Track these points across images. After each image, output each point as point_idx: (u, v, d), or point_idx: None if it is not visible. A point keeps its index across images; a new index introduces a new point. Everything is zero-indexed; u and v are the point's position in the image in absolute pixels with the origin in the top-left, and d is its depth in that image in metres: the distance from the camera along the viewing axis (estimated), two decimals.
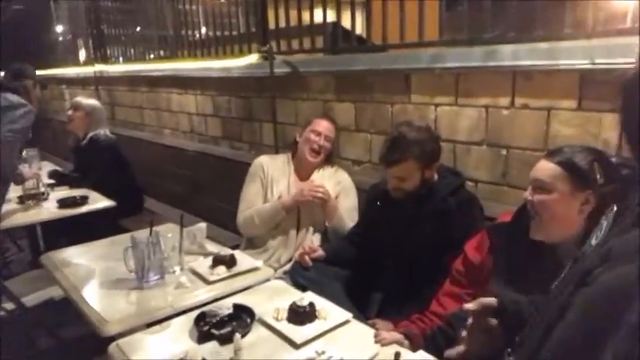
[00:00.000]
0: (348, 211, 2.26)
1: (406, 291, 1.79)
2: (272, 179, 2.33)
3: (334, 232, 2.23)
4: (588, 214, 1.24)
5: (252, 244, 2.36)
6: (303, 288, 1.79)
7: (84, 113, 3.57)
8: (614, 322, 0.35)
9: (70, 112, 3.60)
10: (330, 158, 2.39)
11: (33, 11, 6.99)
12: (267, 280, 1.89)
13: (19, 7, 6.98)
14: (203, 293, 1.76)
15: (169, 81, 4.20)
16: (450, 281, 1.58)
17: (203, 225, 2.18)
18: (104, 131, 3.60)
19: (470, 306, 1.16)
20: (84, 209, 2.98)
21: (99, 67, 5.33)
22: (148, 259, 1.81)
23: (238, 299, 1.69)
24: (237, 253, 2.04)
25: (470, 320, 1.18)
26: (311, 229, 2.28)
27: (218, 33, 3.74)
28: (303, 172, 2.36)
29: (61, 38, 6.84)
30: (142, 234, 1.82)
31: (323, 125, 2.32)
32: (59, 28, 6.75)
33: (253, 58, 3.25)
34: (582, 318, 0.38)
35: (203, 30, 4.01)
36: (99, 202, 3.09)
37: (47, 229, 3.48)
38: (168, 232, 2.06)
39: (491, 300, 1.15)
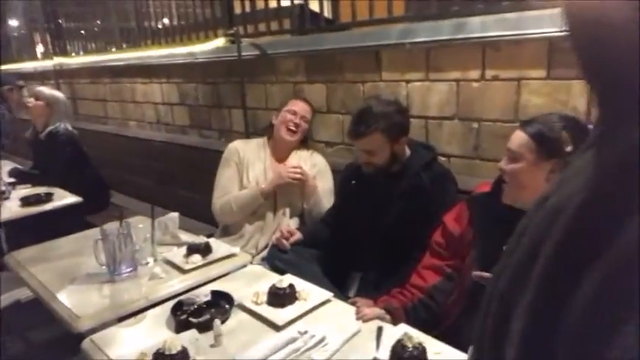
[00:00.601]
0: (324, 193, 2.23)
1: (384, 268, 1.78)
2: (248, 163, 2.28)
3: (311, 213, 2.21)
4: None
5: (228, 231, 2.31)
6: (281, 272, 1.76)
7: (45, 103, 3.40)
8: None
9: (30, 100, 3.43)
10: (306, 141, 2.36)
11: None
12: (245, 266, 1.85)
13: None
14: (178, 283, 1.71)
15: (133, 70, 4.06)
16: (430, 254, 1.57)
17: (175, 215, 2.11)
18: (64, 125, 3.44)
19: None
20: (49, 206, 2.87)
21: (58, 60, 5.12)
22: (119, 251, 1.75)
23: (216, 286, 1.65)
24: (213, 241, 1.99)
25: None
26: (288, 212, 2.25)
27: (183, 22, 3.63)
28: (280, 155, 2.32)
29: (15, 33, 6.53)
30: (112, 226, 1.75)
31: (299, 105, 2.29)
32: (12, 22, 6.44)
33: (220, 42, 3.16)
34: (529, 242, 0.36)
35: (166, 21, 3.88)
36: (65, 198, 2.98)
37: (11, 230, 3.32)
38: (139, 223, 1.99)
39: None
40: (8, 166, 3.73)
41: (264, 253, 2.14)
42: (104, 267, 1.75)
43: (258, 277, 1.73)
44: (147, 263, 1.86)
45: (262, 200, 2.20)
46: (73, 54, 5.06)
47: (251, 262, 2.04)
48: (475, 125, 2.04)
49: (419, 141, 1.97)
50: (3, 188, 2.96)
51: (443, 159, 2.13)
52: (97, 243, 1.76)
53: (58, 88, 5.17)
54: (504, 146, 1.94)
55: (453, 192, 1.83)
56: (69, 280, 1.78)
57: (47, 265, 1.94)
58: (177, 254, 1.89)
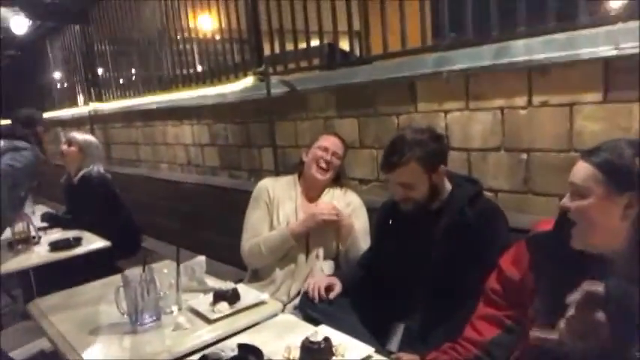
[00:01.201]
0: (360, 233, 2.07)
1: (431, 318, 1.59)
2: (278, 203, 2.16)
3: (347, 256, 2.04)
4: (635, 219, 1.07)
5: (257, 276, 2.17)
6: (315, 322, 1.59)
7: (78, 148, 3.42)
8: None
9: (63, 147, 3.46)
10: (339, 179, 2.22)
11: (29, 57, 6.99)
12: (276, 315, 1.70)
13: (13, 52, 6.98)
14: (204, 334, 1.57)
15: (164, 113, 4.08)
16: (485, 303, 1.38)
17: (202, 258, 1.99)
18: (97, 168, 3.44)
19: (574, 297, 0.98)
20: (77, 251, 2.80)
21: (93, 106, 5.25)
22: (141, 299, 1.63)
23: (244, 338, 1.50)
24: (241, 287, 1.85)
25: (571, 312, 0.99)
26: (321, 254, 2.09)
27: (213, 66, 3.66)
28: (312, 194, 2.19)
29: (57, 81, 6.79)
30: (135, 271, 1.64)
31: (330, 140, 2.17)
32: (55, 72, 6.72)
33: (249, 81, 3.13)
34: None
35: (199, 68, 3.92)
36: (93, 242, 2.92)
37: (41, 276, 3.28)
38: (163, 268, 1.88)
39: (598, 288, 0.96)
40: (42, 210, 3.75)
41: (297, 300, 1.97)
42: (126, 316, 1.63)
43: (290, 328, 1.57)
44: (171, 312, 1.72)
45: (293, 242, 2.05)
46: (108, 100, 5.17)
47: (282, 311, 1.89)
48: (524, 156, 1.86)
49: (461, 174, 1.80)
50: (33, 233, 2.93)
51: (489, 194, 1.95)
52: (119, 290, 1.65)
53: (93, 132, 5.28)
54: (558, 178, 1.77)
55: (504, 230, 1.64)
56: (89, 330, 1.66)
57: (68, 314, 1.83)
58: (203, 302, 1.76)
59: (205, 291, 1.87)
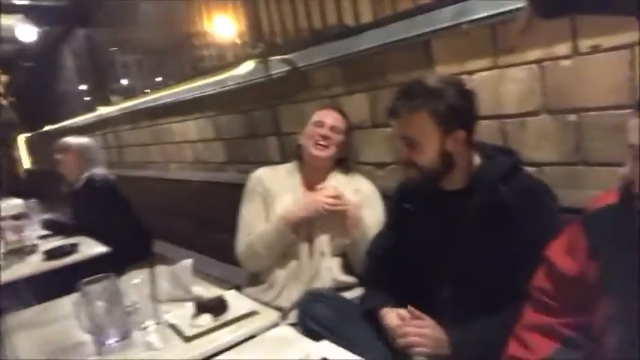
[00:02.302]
0: (372, 225, 1.73)
1: (464, 327, 1.24)
2: (275, 194, 1.85)
3: (356, 252, 1.71)
4: None
5: (255, 280, 1.86)
6: (317, 336, 1.27)
7: (75, 154, 3.23)
8: None
9: (58, 156, 3.26)
10: (345, 163, 1.90)
11: (43, 67, 6.95)
12: (271, 327, 1.39)
13: (29, 64, 6.95)
14: (179, 354, 1.28)
15: (168, 110, 3.84)
16: (534, 307, 1.03)
17: (188, 262, 1.70)
18: (100, 170, 3.23)
19: None
20: (73, 259, 2.58)
21: (104, 110, 5.09)
22: (106, 314, 1.35)
23: (230, 357, 1.21)
24: (231, 294, 1.55)
25: None
26: (328, 251, 1.77)
27: (213, 53, 3.41)
28: (314, 180, 1.87)
29: (70, 89, 6.71)
30: (97, 284, 1.37)
31: (326, 114, 1.86)
32: (67, 79, 6.64)
33: (249, 65, 2.84)
34: None
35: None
36: (92, 249, 2.69)
37: (41, 287, 3.09)
38: (136, 276, 1.60)
39: None
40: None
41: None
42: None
43: (286, 344, 1.25)
44: (145, 328, 1.44)
45: (291, 235, 1.74)
46: (116, 103, 5.01)
47: (284, 318, 1.58)
48: (572, 118, 1.49)
49: (494, 145, 1.44)
50: (27, 242, 2.73)
51: (532, 169, 1.58)
52: (79, 305, 1.37)
53: (105, 138, 5.13)
54: (618, 142, 1.39)
55: (553, 211, 1.27)
56: (49, 352, 1.40)
57: (35, 332, 1.58)
58: (184, 314, 1.47)
59: (193, 300, 1.59)
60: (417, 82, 1.29)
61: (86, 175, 3.18)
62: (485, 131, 1.68)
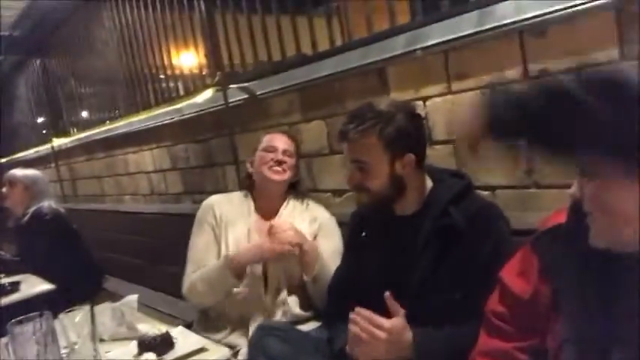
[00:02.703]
0: (331, 256, 1.65)
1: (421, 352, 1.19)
2: (227, 224, 1.75)
3: (317, 288, 1.61)
4: None
5: (207, 315, 1.75)
6: None
7: (22, 187, 3.08)
8: None
9: (4, 189, 3.10)
10: (298, 188, 1.85)
11: None
12: None
13: None
14: None
15: (123, 140, 3.73)
16: (488, 332, 0.99)
17: (133, 298, 1.60)
18: (48, 203, 3.08)
19: None
20: (14, 298, 2.40)
21: (57, 142, 4.90)
22: (39, 357, 1.23)
23: None
24: (179, 331, 1.45)
25: None
26: (284, 287, 1.68)
27: (172, 84, 3.35)
28: (268, 208, 1.79)
29: (22, 120, 6.47)
30: (28, 325, 1.25)
31: (277, 138, 1.79)
32: (20, 111, 6.40)
33: (208, 94, 2.79)
34: None
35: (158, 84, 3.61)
36: (35, 286, 2.52)
37: None
38: (76, 315, 1.47)
39: None
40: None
41: None
42: None
43: None
44: None
45: (233, 280, 1.61)
46: (71, 134, 4.84)
47: (234, 356, 1.49)
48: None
49: (445, 168, 1.43)
50: None
51: (485, 193, 1.58)
52: (7, 347, 1.25)
53: (58, 170, 4.93)
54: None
55: (506, 233, 1.26)
56: None
57: None
58: (126, 353, 1.36)
59: (138, 339, 1.48)
60: (367, 106, 1.28)
61: (33, 208, 3.03)
62: (440, 156, 1.69)
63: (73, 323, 1.41)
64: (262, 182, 1.76)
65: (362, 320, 1.11)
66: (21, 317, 1.23)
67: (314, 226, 1.74)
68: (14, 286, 2.49)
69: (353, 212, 1.51)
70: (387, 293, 1.13)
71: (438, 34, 1.62)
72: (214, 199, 1.84)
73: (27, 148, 5.93)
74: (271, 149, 1.75)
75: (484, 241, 1.18)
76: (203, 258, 1.71)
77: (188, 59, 3.35)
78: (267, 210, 1.78)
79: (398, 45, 1.76)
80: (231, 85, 2.54)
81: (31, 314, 1.24)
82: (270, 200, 1.78)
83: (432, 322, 1.14)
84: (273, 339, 1.31)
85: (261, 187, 1.78)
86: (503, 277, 0.99)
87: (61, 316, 1.37)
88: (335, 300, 1.49)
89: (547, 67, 1.41)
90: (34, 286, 2.53)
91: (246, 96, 2.43)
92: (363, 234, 1.40)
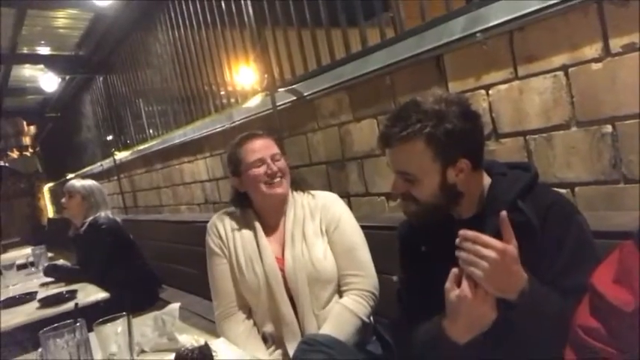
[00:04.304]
0: (357, 246, 1.52)
1: None
2: (235, 244, 1.58)
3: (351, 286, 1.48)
4: None
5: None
6: None
7: (80, 198, 3.16)
8: None
9: (63, 200, 3.20)
10: (296, 184, 1.64)
11: (67, 116, 7.11)
12: None
13: (54, 114, 7.12)
14: None
15: (179, 150, 3.77)
16: (575, 350, 0.80)
17: (175, 307, 1.51)
18: (104, 214, 3.14)
19: None
20: (69, 306, 2.42)
21: (119, 156, 5.08)
22: None
23: None
24: (219, 343, 1.36)
25: None
26: (315, 308, 1.50)
27: (224, 95, 3.36)
28: (273, 219, 1.59)
29: (90, 136, 6.81)
30: (63, 332, 1.19)
31: (257, 145, 1.56)
32: (88, 127, 6.75)
33: (257, 99, 2.74)
34: None
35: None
36: (91, 295, 2.54)
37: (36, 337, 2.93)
38: (118, 325, 1.41)
39: None
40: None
41: None
42: None
43: None
44: None
45: None
46: (132, 146, 5.01)
47: None
48: (608, 129, 1.29)
49: (505, 162, 1.23)
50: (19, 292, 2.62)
51: (562, 191, 1.37)
52: (41, 356, 1.20)
53: (120, 182, 5.10)
54: None
55: (586, 228, 1.05)
56: None
57: None
58: None
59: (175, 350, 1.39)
60: (412, 104, 1.09)
61: (90, 218, 3.10)
62: (508, 151, 1.52)
63: (115, 333, 1.35)
64: (263, 200, 1.57)
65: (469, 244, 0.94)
66: (55, 325, 1.19)
67: (327, 217, 1.55)
68: (71, 295, 2.52)
69: (401, 226, 1.31)
70: (504, 212, 0.95)
71: (500, 13, 1.45)
72: (216, 219, 1.66)
73: (93, 162, 6.21)
74: (259, 163, 1.53)
75: (564, 238, 0.99)
76: (227, 290, 1.57)
77: (241, 73, 3.34)
78: (271, 220, 1.60)
79: (455, 30, 1.59)
80: (280, 89, 2.47)
81: (63, 322, 1.20)
82: (272, 210, 1.59)
83: (512, 339, 0.96)
84: (319, 355, 1.17)
85: (262, 203, 1.59)
86: (595, 284, 0.80)
87: (100, 326, 1.31)
88: (407, 313, 1.30)
89: (634, 41, 1.20)
90: (90, 294, 2.55)
91: (294, 98, 2.34)
92: (423, 249, 1.22)
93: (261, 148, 1.56)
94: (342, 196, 2.21)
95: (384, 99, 1.92)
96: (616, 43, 1.24)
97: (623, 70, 1.23)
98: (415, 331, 1.12)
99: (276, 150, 1.58)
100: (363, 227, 1.74)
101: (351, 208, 2.20)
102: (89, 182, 3.28)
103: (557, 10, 1.31)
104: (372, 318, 1.52)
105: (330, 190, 2.30)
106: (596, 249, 1.00)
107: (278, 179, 1.53)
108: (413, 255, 1.24)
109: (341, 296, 1.51)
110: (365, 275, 1.49)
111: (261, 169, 1.52)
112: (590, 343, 0.79)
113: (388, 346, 1.37)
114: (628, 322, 0.74)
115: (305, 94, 2.29)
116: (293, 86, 2.39)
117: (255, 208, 1.61)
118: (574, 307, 0.86)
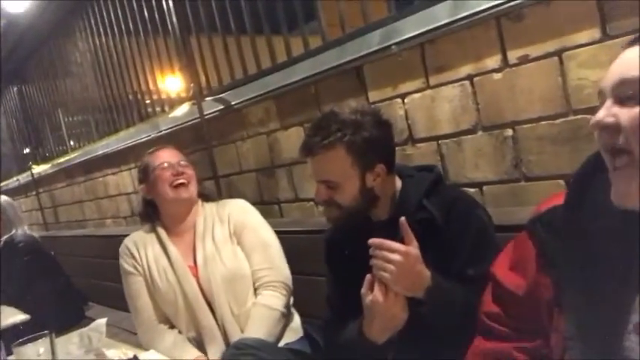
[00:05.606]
0: (272, 251, 1.58)
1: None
2: (147, 262, 1.58)
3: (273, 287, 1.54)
4: None
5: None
6: None
7: None
8: None
9: None
10: (205, 197, 1.69)
11: None
12: None
13: None
14: None
15: (103, 161, 3.63)
16: (483, 334, 0.89)
17: (101, 322, 1.47)
18: (21, 230, 2.96)
19: None
20: None
21: (37, 169, 4.78)
22: None
23: None
24: (149, 355, 1.34)
25: None
26: (234, 308, 1.53)
27: (149, 103, 3.28)
28: (180, 228, 1.61)
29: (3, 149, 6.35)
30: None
31: (166, 153, 1.60)
32: (4, 141, 6.29)
33: (184, 108, 2.71)
34: None
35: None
36: (9, 318, 2.38)
37: None
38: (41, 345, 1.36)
39: None
40: None
41: None
42: None
43: None
44: None
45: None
46: (51, 159, 4.74)
47: None
48: (509, 133, 1.42)
49: (413, 165, 1.33)
50: None
51: (472, 190, 1.50)
52: None
53: (39, 198, 4.81)
54: (558, 153, 1.33)
55: (486, 221, 1.15)
56: None
57: None
58: None
59: None
60: (329, 115, 1.17)
61: (6, 236, 2.91)
62: (424, 155, 1.62)
63: (37, 354, 1.30)
64: (169, 206, 1.59)
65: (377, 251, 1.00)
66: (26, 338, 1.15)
67: (235, 219, 1.60)
68: None
69: (327, 231, 1.37)
70: (403, 218, 1.02)
71: (412, 27, 1.55)
72: (128, 241, 1.66)
73: (9, 177, 5.80)
74: (166, 164, 1.56)
75: (465, 231, 1.09)
76: (147, 309, 1.58)
77: (167, 81, 3.29)
78: (177, 229, 1.61)
79: (373, 42, 1.69)
80: (207, 98, 2.46)
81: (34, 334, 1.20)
82: (179, 218, 1.61)
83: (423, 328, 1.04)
84: (247, 357, 1.19)
85: (168, 210, 1.60)
86: (494, 272, 0.89)
87: (20, 347, 1.25)
88: (334, 314, 1.36)
89: (527, 53, 1.34)
90: (8, 316, 2.40)
91: (221, 107, 2.35)
92: (346, 252, 1.29)
93: (169, 155, 1.60)
94: (272, 203, 2.28)
95: (310, 107, 1.98)
96: (513, 55, 1.38)
97: (519, 79, 1.37)
98: (341, 331, 1.19)
99: (183, 158, 1.62)
100: (293, 232, 1.79)
101: (281, 213, 2.27)
102: (2, 198, 3.08)
103: (463, 24, 1.43)
104: (291, 308, 1.59)
105: (261, 196, 2.33)
106: (496, 240, 1.10)
107: (183, 181, 1.55)
108: (338, 259, 1.31)
109: (256, 294, 1.55)
110: (274, 267, 1.55)
111: (167, 172, 1.55)
112: (492, 325, 0.87)
113: (317, 345, 1.41)
114: (522, 304, 0.83)
115: (233, 102, 2.30)
116: (221, 95, 2.40)
117: (163, 220, 1.63)
118: (479, 294, 0.95)
